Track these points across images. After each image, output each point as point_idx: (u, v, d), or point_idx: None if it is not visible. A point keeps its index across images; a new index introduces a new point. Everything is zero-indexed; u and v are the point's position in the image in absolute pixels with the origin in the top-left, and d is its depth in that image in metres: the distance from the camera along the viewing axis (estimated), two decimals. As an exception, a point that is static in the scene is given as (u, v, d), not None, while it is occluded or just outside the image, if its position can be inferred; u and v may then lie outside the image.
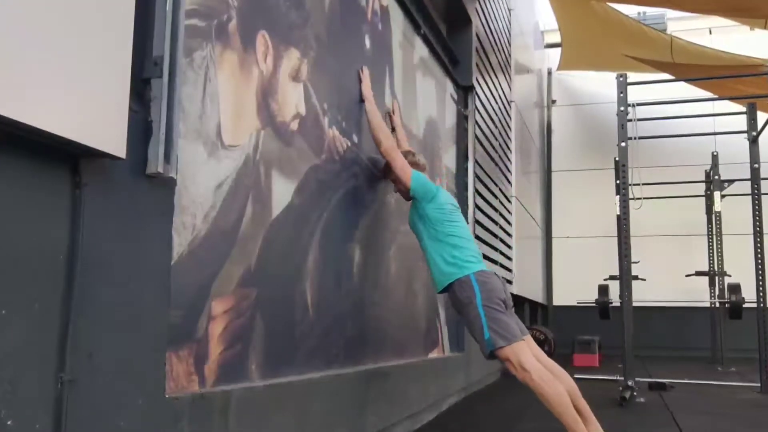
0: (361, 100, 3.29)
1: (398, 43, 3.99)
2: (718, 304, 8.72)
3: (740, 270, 8.81)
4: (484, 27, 6.12)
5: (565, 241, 11.54)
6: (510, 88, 7.62)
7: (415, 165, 3.34)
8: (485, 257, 5.77)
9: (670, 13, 10.95)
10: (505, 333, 2.95)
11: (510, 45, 7.75)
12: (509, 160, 7.49)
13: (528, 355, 2.96)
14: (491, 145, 6.37)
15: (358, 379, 3.09)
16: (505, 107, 7.25)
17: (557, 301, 11.34)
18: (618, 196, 5.99)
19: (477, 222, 5.49)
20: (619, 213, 5.95)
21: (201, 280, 2.00)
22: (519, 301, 8.16)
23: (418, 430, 3.85)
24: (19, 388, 1.32)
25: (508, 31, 7.72)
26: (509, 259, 7.09)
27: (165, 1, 1.70)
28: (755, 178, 5.97)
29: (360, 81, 3.29)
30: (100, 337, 1.53)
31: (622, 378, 5.27)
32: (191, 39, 1.95)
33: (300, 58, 2.67)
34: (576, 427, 2.85)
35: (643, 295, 8.08)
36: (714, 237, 8.86)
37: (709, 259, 9.05)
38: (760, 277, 5.81)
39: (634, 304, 5.48)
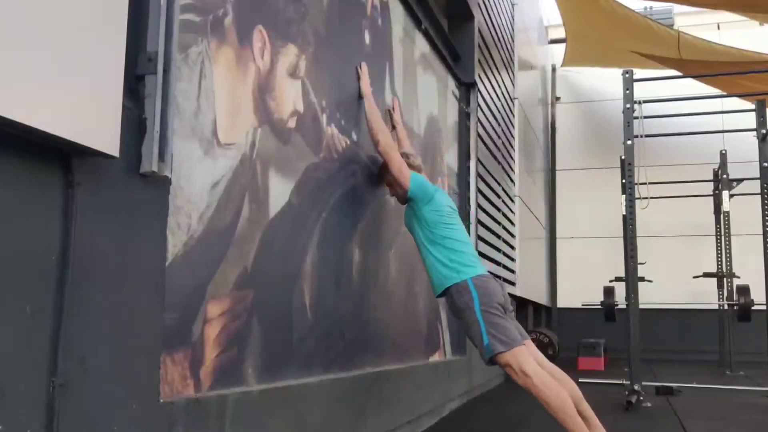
0: (360, 98, 3.29)
1: (398, 39, 3.99)
2: (726, 307, 8.71)
3: (749, 271, 8.80)
4: (486, 22, 6.12)
5: (570, 241, 11.54)
6: (513, 84, 7.63)
7: (410, 167, 3.34)
8: (488, 258, 5.78)
9: (678, 7, 10.94)
10: (505, 338, 2.95)
11: (513, 40, 7.75)
12: (512, 158, 7.49)
13: (529, 360, 2.96)
14: (494, 143, 6.37)
15: (358, 383, 3.09)
16: (508, 104, 7.25)
17: (561, 303, 11.35)
18: (624, 196, 5.99)
19: (479, 222, 5.49)
20: (624, 213, 5.94)
21: (196, 282, 2.00)
22: (522, 303, 8.16)
23: (418, 435, 3.86)
24: (9, 393, 1.32)
25: (511, 26, 7.73)
26: (512, 260, 7.09)
27: (159, -4, 1.71)
28: (765, 176, 5.96)
29: (359, 78, 3.29)
30: (93, 340, 1.53)
31: (628, 382, 5.27)
32: (186, 34, 1.95)
33: (298, 54, 2.67)
34: None
35: (650, 297, 8.07)
36: (722, 237, 8.86)
37: (717, 260, 9.05)
38: (770, 279, 5.81)
39: (641, 306, 5.48)
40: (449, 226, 3.19)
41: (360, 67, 3.31)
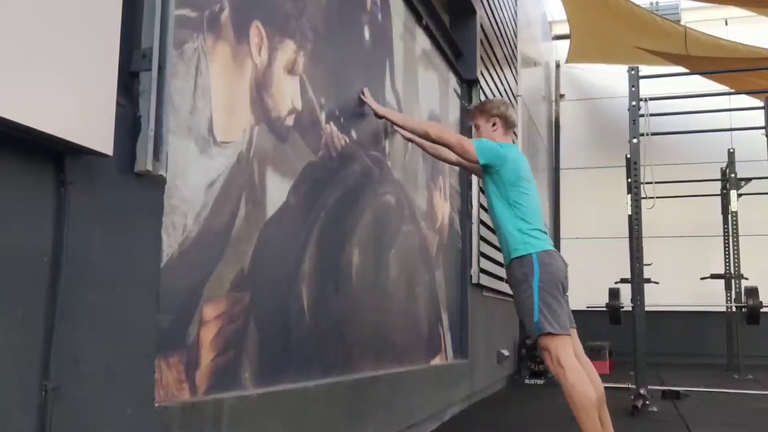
0: (379, 117, 3.34)
1: (399, 35, 3.99)
2: (734, 309, 8.71)
3: (758, 272, 8.81)
4: (489, 18, 6.12)
5: (574, 242, 11.53)
6: (516, 81, 7.62)
7: (504, 119, 3.34)
8: (489, 259, 5.78)
9: (685, 3, 10.95)
10: (554, 322, 2.95)
11: (516, 37, 7.75)
12: (515, 157, 7.47)
13: (568, 351, 2.96)
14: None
15: (357, 387, 3.09)
16: (511, 102, 7.24)
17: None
18: (629, 195, 6.00)
19: (482, 222, 5.49)
20: (630, 213, 5.95)
21: (192, 283, 2.00)
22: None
23: (419, 440, 3.86)
24: (0, 397, 1.32)
25: (515, 22, 7.72)
26: (515, 261, 7.07)
27: (154, -9, 1.71)
28: (773, 176, 5.96)
29: (363, 103, 3.31)
30: (86, 342, 1.53)
31: (634, 386, 5.27)
32: (182, 30, 1.95)
33: (296, 51, 2.67)
34: None
35: (656, 299, 8.07)
36: (730, 238, 8.85)
37: (725, 262, 9.05)
38: (779, 280, 5.81)
39: (647, 308, 5.48)
40: (524, 191, 3.15)
41: (363, 94, 3.32)
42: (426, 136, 3.28)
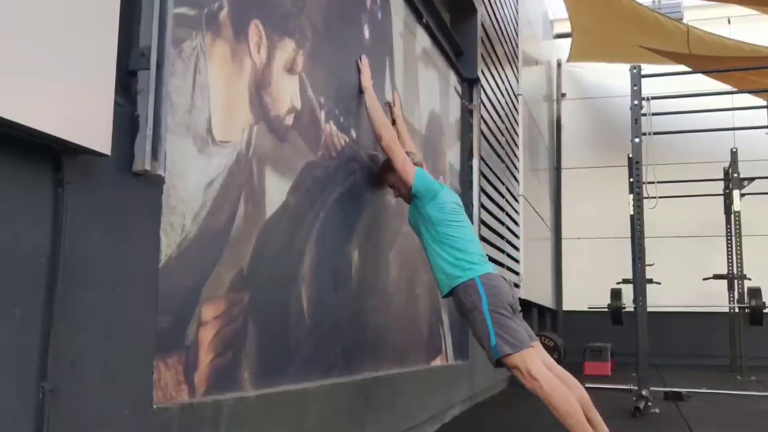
0: (361, 92, 3.29)
1: (399, 33, 3.99)
2: (737, 309, 8.72)
3: (761, 273, 8.82)
4: (490, 16, 6.12)
5: (576, 242, 11.54)
6: (517, 80, 7.63)
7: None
8: (491, 259, 5.78)
9: (687, 1, 10.95)
10: (513, 340, 2.96)
11: (517, 35, 7.75)
12: (516, 156, 7.48)
13: (537, 363, 2.96)
14: (497, 141, 6.37)
15: (357, 388, 3.09)
16: (512, 101, 7.25)
17: (567, 306, 11.34)
18: (631, 195, 6.00)
19: (482, 222, 5.49)
20: (632, 213, 5.95)
21: (190, 284, 2.00)
22: (527, 306, 8.16)
23: (420, 442, 3.86)
24: (-3, 398, 1.32)
25: (516, 20, 7.73)
26: (516, 261, 7.09)
27: (152, -11, 1.71)
28: (776, 175, 5.97)
29: (359, 71, 3.29)
30: (84, 343, 1.53)
31: (636, 387, 5.28)
32: (180, 28, 1.95)
33: (295, 49, 2.67)
34: None
35: (658, 299, 8.07)
36: (733, 238, 8.86)
37: (728, 262, 9.05)
38: (782, 281, 5.81)
39: (649, 309, 5.48)
40: (455, 224, 3.18)
41: (360, 60, 3.31)
42: (378, 137, 3.23)
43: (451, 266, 3.10)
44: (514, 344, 2.95)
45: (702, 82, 8.38)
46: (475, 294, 3.02)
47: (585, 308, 9.67)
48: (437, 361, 4.49)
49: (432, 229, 3.18)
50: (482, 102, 5.62)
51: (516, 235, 7.16)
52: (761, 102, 8.52)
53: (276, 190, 2.50)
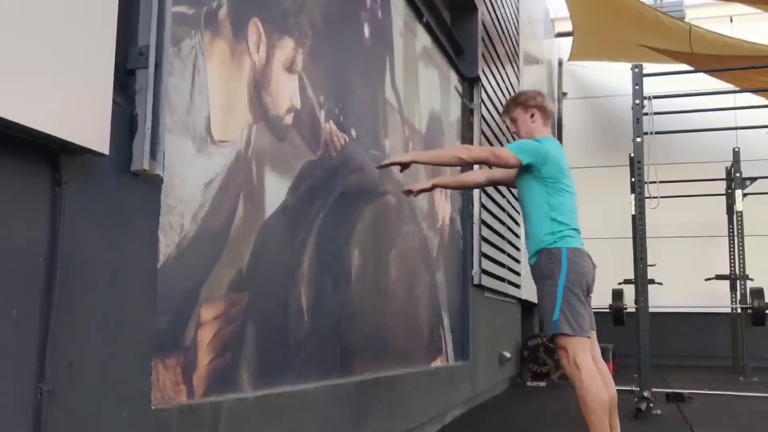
0: (407, 164, 3.14)
1: (399, 32, 3.99)
2: (739, 310, 8.72)
3: (763, 273, 8.82)
4: (490, 15, 6.12)
5: (577, 242, 11.53)
6: (518, 79, 7.62)
7: (542, 110, 3.26)
8: (491, 260, 5.78)
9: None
10: (575, 323, 2.94)
11: (518, 34, 7.75)
12: (517, 156, 7.47)
13: (586, 354, 2.96)
14: (498, 140, 6.37)
15: (356, 389, 3.09)
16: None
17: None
18: (633, 195, 5.99)
19: (483, 222, 5.49)
20: (634, 213, 5.94)
21: (189, 284, 2.00)
22: (528, 308, 8.16)
23: (420, 444, 3.86)
24: (-5, 400, 1.32)
25: (517, 19, 7.73)
26: (518, 261, 7.09)
27: (151, -13, 1.71)
28: (779, 175, 5.97)
29: (383, 167, 3.22)
30: (82, 344, 1.53)
31: (638, 389, 5.27)
32: (179, 27, 1.95)
33: (295, 48, 2.67)
34: None
35: (660, 300, 8.08)
36: (735, 238, 8.86)
37: (730, 262, 9.05)
38: (785, 281, 5.81)
39: (651, 309, 5.48)
40: (565, 188, 3.10)
41: (379, 166, 3.27)
42: (460, 162, 3.23)
43: (544, 230, 3.05)
44: (574, 327, 2.93)
45: (704, 81, 8.37)
46: (557, 264, 2.99)
47: (586, 309, 9.64)
48: (438, 362, 4.49)
49: (543, 185, 3.08)
50: (483, 101, 5.62)
51: (517, 235, 7.16)
52: (764, 101, 8.53)
53: (275, 190, 2.50)
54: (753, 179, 8.30)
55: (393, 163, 3.14)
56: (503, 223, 6.43)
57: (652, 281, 6.46)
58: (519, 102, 3.33)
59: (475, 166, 3.39)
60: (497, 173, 3.45)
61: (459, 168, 3.69)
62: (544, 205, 3.08)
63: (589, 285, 3.07)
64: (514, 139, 3.33)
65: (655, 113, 5.69)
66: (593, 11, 9.16)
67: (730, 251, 9.06)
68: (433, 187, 3.52)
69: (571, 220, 3.09)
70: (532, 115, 3.28)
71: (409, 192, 3.46)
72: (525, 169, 3.12)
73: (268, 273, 2.42)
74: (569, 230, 3.06)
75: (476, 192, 5.36)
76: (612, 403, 2.98)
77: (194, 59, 2.03)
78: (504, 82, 6.70)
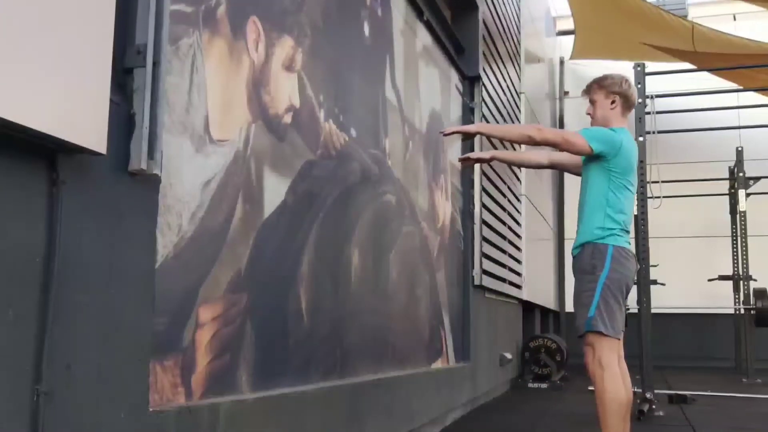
0: (472, 135, 3.19)
1: (399, 31, 3.99)
2: (743, 311, 8.72)
3: (767, 274, 8.81)
4: (491, 13, 6.12)
5: (579, 242, 11.53)
6: (519, 78, 7.63)
7: (624, 98, 3.19)
8: (492, 260, 5.78)
9: (692, -3, 10.96)
10: (609, 323, 2.94)
11: (519, 32, 7.75)
12: (518, 155, 7.48)
13: (613, 355, 2.96)
14: (499, 139, 6.36)
15: (356, 391, 3.09)
16: (514, 99, 7.25)
17: (570, 307, 11.32)
18: (635, 195, 5.99)
19: (484, 222, 5.49)
20: (636, 213, 5.94)
21: (187, 285, 2.00)
22: (529, 307, 8.16)
23: (420, 446, 3.86)
24: (-9, 401, 1.32)
25: (518, 17, 7.73)
26: (518, 261, 7.09)
27: (149, -15, 1.71)
28: (783, 175, 5.97)
29: (448, 134, 3.27)
30: (79, 346, 1.53)
31: (640, 390, 5.27)
32: (177, 25, 1.95)
33: (294, 46, 2.67)
34: None
35: (663, 300, 8.07)
36: (738, 238, 8.86)
37: (734, 263, 9.06)
38: (788, 282, 5.82)
39: (653, 310, 5.49)
40: (627, 186, 3.08)
41: (444, 133, 3.31)
42: (529, 141, 3.17)
43: (595, 224, 3.03)
44: (608, 327, 2.93)
45: (707, 79, 8.38)
46: (601, 261, 2.97)
47: (588, 310, 9.64)
48: (438, 364, 4.49)
49: (609, 178, 3.04)
50: (484, 100, 5.62)
51: (518, 236, 7.16)
52: (767, 100, 8.53)
53: (274, 190, 2.50)
54: (756, 179, 8.31)
55: (458, 131, 3.17)
56: (504, 223, 6.43)
57: (655, 282, 6.46)
58: (603, 85, 3.23)
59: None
60: (563, 157, 3.40)
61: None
62: (602, 198, 3.05)
63: (629, 286, 3.06)
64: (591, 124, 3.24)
65: (658, 112, 5.70)
66: (595, 9, 9.16)
67: (733, 251, 9.06)
68: (492, 158, 3.49)
69: (624, 220, 3.07)
70: (613, 102, 3.19)
71: (467, 159, 3.44)
72: (594, 158, 3.07)
73: (267, 274, 2.43)
74: (620, 230, 3.05)
75: (477, 192, 5.36)
76: (628, 406, 2.99)
77: (192, 58, 2.03)
78: (505, 81, 6.70)
